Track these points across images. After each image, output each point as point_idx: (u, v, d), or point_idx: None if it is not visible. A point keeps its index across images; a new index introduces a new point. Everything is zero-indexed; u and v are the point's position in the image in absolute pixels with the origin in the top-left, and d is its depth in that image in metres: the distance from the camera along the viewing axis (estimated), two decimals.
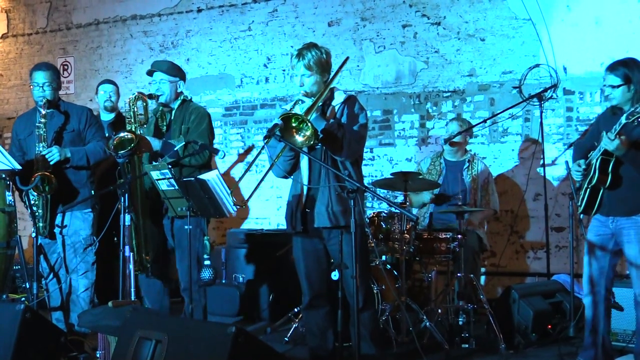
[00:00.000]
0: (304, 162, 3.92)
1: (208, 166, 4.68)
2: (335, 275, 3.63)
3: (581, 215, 4.12)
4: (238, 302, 5.86)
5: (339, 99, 3.93)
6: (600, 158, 3.82)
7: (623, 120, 3.65)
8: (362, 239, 3.82)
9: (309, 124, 3.57)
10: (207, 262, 4.61)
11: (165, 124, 4.76)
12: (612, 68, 3.87)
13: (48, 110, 4.60)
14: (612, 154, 3.77)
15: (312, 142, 3.64)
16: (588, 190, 3.92)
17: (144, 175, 4.50)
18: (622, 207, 3.85)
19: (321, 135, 3.73)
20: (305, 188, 3.89)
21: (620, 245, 3.91)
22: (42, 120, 4.57)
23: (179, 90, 4.73)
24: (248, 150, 7.21)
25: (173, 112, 4.73)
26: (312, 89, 3.82)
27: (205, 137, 4.63)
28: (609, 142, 3.71)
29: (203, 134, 4.62)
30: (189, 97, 4.82)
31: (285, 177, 3.98)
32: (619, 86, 3.82)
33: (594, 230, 4.01)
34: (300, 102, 3.76)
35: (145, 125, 4.66)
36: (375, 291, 4.77)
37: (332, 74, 3.91)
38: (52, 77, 4.67)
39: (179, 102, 4.72)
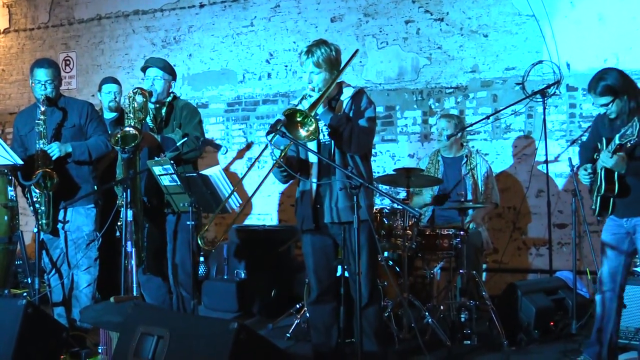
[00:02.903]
0: (314, 158, 3.88)
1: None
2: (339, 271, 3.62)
3: (598, 217, 4.11)
4: (239, 298, 5.87)
5: (347, 93, 3.89)
6: (604, 169, 3.82)
7: (617, 140, 3.66)
8: (370, 234, 3.80)
9: (313, 119, 3.55)
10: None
11: (158, 120, 4.76)
12: (592, 89, 3.81)
13: (48, 107, 4.59)
14: None
15: (315, 137, 3.62)
16: (599, 198, 3.93)
17: (145, 171, 4.49)
18: (635, 207, 3.85)
19: (328, 130, 3.72)
20: (314, 185, 3.88)
21: (634, 243, 3.91)
22: (42, 117, 4.55)
23: (171, 90, 4.79)
24: (247, 147, 7.20)
25: (164, 108, 4.74)
26: (320, 87, 3.78)
27: (199, 129, 4.74)
28: (607, 160, 3.71)
29: (197, 127, 4.71)
30: (179, 95, 4.94)
31: (293, 178, 3.96)
32: (611, 102, 3.79)
33: (609, 230, 4.01)
34: (307, 97, 3.73)
35: (143, 121, 4.66)
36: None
37: (341, 66, 3.86)
38: (54, 74, 4.66)
39: (170, 98, 4.77)
